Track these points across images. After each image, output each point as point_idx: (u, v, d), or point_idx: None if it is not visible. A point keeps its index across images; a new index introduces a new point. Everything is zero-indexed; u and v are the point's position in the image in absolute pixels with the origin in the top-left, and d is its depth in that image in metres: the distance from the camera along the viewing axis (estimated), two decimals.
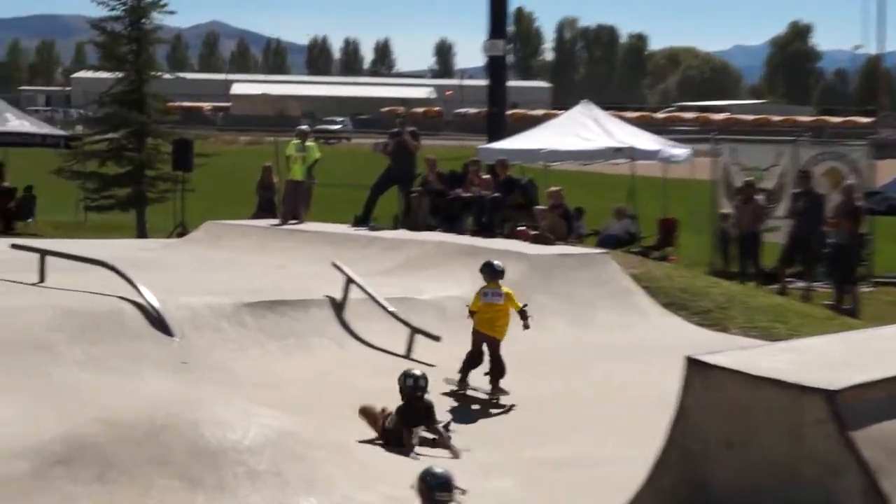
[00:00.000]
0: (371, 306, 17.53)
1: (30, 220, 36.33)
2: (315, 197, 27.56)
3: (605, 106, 42.05)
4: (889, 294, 25.40)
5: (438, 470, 8.81)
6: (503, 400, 14.95)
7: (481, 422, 14.22)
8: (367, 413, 13.38)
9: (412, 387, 12.96)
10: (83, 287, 17.17)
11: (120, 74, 39.52)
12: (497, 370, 15.18)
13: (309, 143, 26.01)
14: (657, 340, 17.90)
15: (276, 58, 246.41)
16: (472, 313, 15.48)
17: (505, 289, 15.52)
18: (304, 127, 28.62)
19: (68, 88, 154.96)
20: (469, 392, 15.31)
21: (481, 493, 10.88)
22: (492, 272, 15.61)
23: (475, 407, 14.83)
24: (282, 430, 11.33)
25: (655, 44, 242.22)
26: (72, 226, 36.56)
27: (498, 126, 34.42)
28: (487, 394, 15.22)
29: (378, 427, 13.16)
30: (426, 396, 13.08)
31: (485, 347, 15.23)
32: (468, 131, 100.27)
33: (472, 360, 15.37)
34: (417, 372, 13.28)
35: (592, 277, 20.04)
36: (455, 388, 15.34)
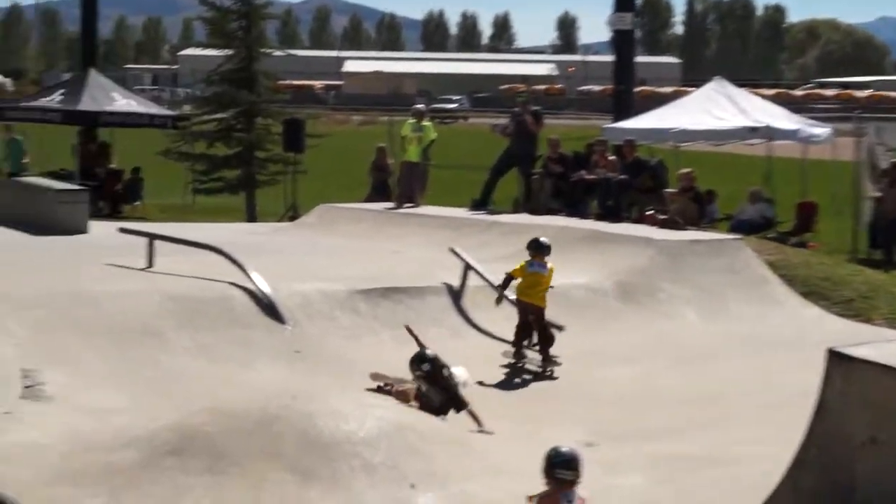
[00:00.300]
0: (490, 294, 17.50)
1: (137, 202, 36.69)
2: (431, 179, 27.71)
3: (739, 83, 41.48)
4: None
5: (564, 448, 9.03)
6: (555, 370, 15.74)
7: (605, 414, 14.07)
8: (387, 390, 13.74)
9: (437, 368, 13.37)
10: (192, 272, 17.45)
11: (229, 52, 39.85)
12: (544, 340, 16.07)
13: (425, 123, 26.15)
14: (795, 332, 17.74)
15: (389, 33, 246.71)
16: (510, 278, 16.47)
17: (550, 264, 16.50)
18: (419, 106, 28.80)
19: (175, 66, 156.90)
20: (525, 364, 16.03)
21: (607, 489, 10.87)
22: (538, 247, 16.59)
23: (597, 400, 14.72)
24: (398, 421, 11.47)
25: (794, 16, 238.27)
26: (180, 209, 37.05)
27: (625, 104, 34.24)
28: (539, 366, 15.94)
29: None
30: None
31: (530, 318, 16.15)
32: (592, 110, 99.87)
33: (522, 332, 16.20)
34: (430, 353, 13.62)
35: (725, 265, 19.90)
36: (512, 360, 16.08)
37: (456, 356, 16.11)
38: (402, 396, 13.41)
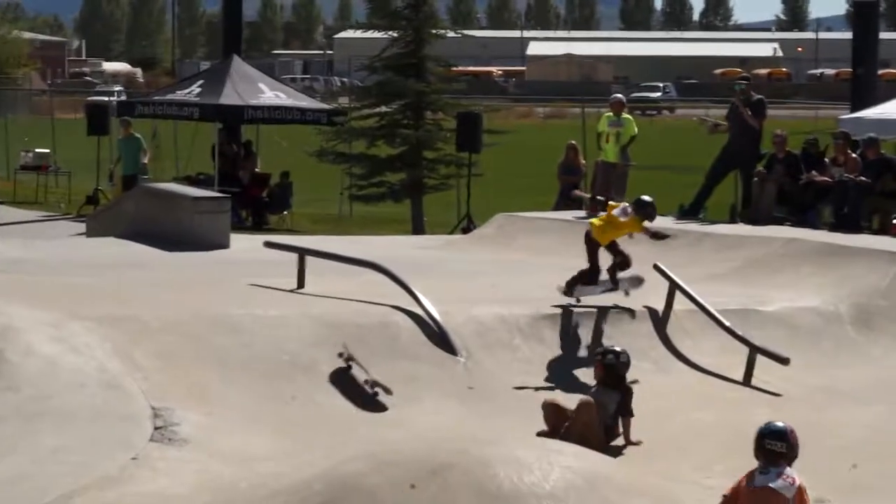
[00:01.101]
0: (701, 319, 17.45)
1: (285, 212, 37.07)
2: (631, 182, 27.53)
3: None
4: None
5: (777, 423, 10.13)
6: None
7: (838, 465, 13.58)
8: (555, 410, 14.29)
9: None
10: (349, 294, 17.48)
11: (394, 34, 39.77)
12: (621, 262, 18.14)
13: (625, 116, 26.06)
14: None
15: (581, 10, 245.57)
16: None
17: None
18: (618, 95, 28.67)
19: (330, 52, 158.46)
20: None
21: None
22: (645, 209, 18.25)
23: (829, 448, 14.31)
24: (590, 472, 11.40)
25: None
26: (334, 219, 37.35)
27: (865, 90, 33.72)
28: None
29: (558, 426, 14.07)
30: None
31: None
32: (826, 98, 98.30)
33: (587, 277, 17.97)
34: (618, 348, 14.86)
35: None
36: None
37: (660, 393, 16.07)
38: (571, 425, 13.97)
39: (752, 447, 10.11)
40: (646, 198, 18.13)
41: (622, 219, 17.97)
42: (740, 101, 25.69)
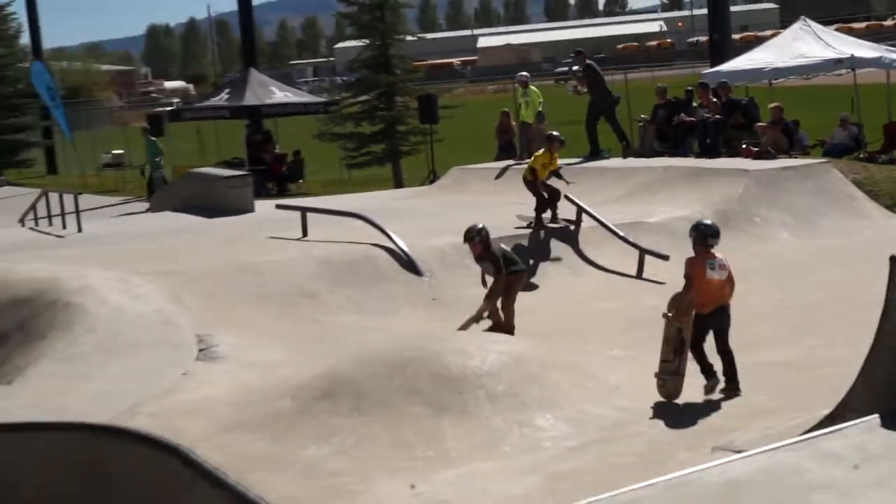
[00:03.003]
0: (603, 232, 17.48)
1: (300, 181, 37.19)
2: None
3: (833, 20, 40.48)
4: None
5: (709, 221, 11.59)
6: None
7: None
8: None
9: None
10: (341, 238, 17.56)
11: (366, 41, 40.20)
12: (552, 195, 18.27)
13: (531, 89, 26.25)
14: (882, 242, 17.23)
15: (516, 10, 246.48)
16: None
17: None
18: (522, 74, 28.70)
19: (332, 59, 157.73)
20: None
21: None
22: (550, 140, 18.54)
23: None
24: (517, 354, 11.50)
25: None
26: (338, 183, 37.44)
27: (719, 51, 33.70)
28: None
29: None
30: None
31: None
32: (703, 59, 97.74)
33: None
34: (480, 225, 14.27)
35: (814, 187, 19.56)
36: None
37: (573, 290, 16.13)
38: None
39: (692, 242, 11.08)
40: (553, 132, 18.70)
41: (538, 154, 18.33)
42: (574, 75, 26.47)
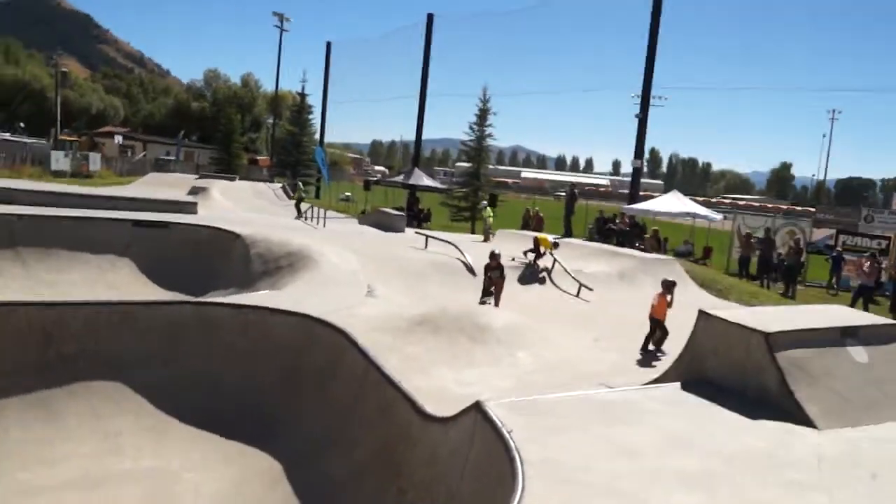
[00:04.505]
0: (563, 272, 16.73)
1: (428, 223, 36.52)
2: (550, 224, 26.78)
3: (688, 193, 39.38)
4: (812, 292, 23.17)
5: (671, 279, 11.38)
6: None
7: (605, 327, 13.08)
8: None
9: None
10: (442, 252, 17.33)
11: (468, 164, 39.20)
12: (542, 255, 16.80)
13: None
14: (692, 300, 16.70)
15: (538, 163, 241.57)
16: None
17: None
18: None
19: (454, 169, 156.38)
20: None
21: (602, 360, 10.48)
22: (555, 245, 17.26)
23: (604, 320, 13.88)
24: (512, 320, 11.28)
25: (715, 166, 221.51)
26: (445, 227, 36.48)
27: (636, 199, 32.57)
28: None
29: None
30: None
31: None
32: (625, 199, 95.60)
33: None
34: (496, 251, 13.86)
35: (668, 270, 18.86)
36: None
37: (542, 300, 15.50)
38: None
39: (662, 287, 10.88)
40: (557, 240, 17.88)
41: (546, 240, 17.35)
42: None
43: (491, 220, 24.72)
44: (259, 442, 8.52)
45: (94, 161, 47.35)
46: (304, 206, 30.93)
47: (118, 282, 14.55)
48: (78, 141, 64.29)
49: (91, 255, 14.99)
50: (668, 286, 11.53)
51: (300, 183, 35.16)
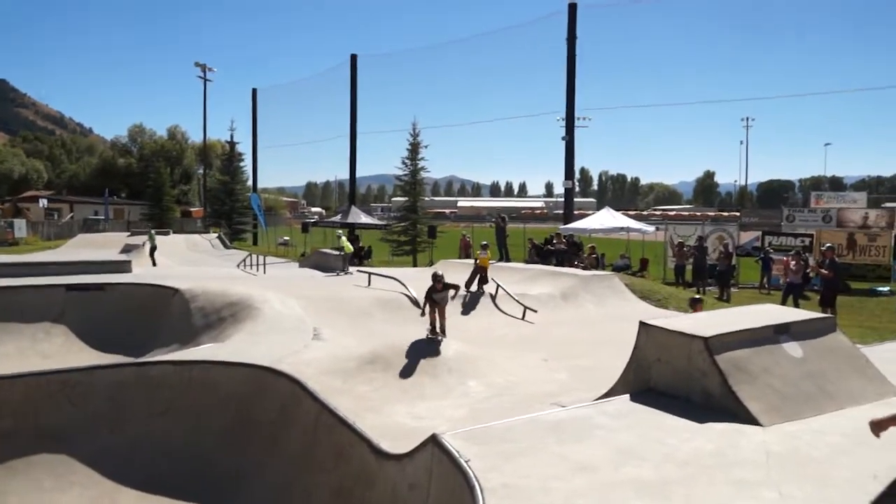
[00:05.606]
0: (507, 297, 16.75)
1: (369, 259, 36.30)
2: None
3: (620, 209, 40.56)
4: (745, 293, 23.98)
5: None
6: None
7: (553, 348, 13.18)
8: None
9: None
10: (386, 287, 17.22)
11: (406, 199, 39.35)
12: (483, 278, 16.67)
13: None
14: (634, 313, 17.02)
15: (474, 191, 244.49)
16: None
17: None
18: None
19: (391, 204, 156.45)
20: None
21: (551, 380, 10.50)
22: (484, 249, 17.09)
23: (550, 342, 13.94)
24: (462, 350, 11.26)
25: (643, 180, 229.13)
26: (387, 262, 36.56)
27: (570, 218, 33.26)
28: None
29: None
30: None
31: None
32: (560, 220, 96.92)
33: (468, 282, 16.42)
34: (439, 272, 12.27)
35: (607, 285, 19.27)
36: None
37: (489, 325, 15.57)
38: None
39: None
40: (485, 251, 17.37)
41: (484, 258, 17.23)
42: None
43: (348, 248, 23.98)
44: (212, 502, 8.23)
45: (20, 228, 45.67)
46: (243, 252, 30.40)
47: (52, 350, 13.95)
48: (1, 208, 61.97)
49: (23, 324, 14.38)
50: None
51: (152, 231, 33.46)
